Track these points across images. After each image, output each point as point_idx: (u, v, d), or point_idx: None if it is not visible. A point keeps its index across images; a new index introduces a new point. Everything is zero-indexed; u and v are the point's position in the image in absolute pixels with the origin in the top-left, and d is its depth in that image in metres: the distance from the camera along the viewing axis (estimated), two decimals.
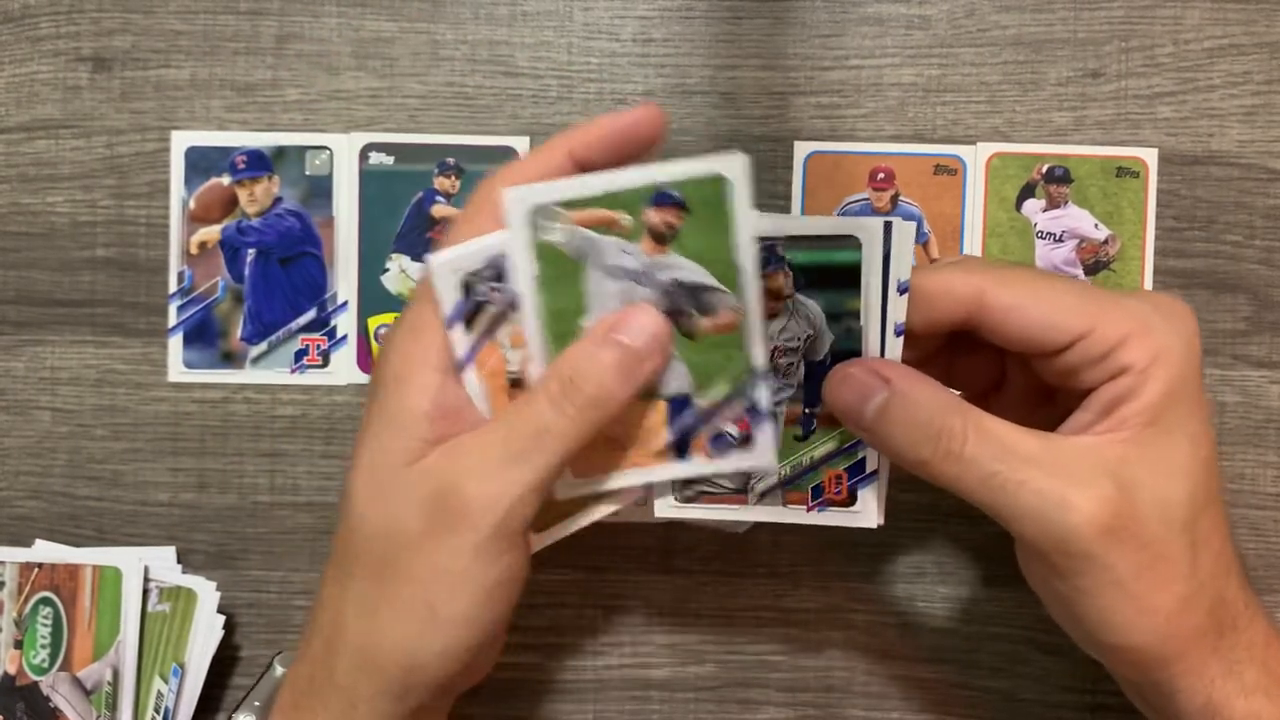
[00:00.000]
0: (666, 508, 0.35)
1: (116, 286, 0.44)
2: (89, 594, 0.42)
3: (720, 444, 0.34)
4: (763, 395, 0.34)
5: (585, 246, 0.32)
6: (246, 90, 0.44)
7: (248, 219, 0.44)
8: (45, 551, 0.43)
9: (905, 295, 0.33)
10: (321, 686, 0.32)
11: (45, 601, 0.42)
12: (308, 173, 0.44)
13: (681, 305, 0.33)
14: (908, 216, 0.43)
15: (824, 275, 0.33)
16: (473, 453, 0.31)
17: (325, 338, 0.44)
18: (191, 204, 0.44)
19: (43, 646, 0.42)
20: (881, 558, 0.44)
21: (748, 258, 0.32)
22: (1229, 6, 0.44)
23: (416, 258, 0.44)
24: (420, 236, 0.44)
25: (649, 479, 0.34)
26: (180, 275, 0.44)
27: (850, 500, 0.35)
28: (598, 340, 0.32)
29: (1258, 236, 0.44)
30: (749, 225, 0.32)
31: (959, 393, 0.33)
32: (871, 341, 0.33)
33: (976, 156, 0.44)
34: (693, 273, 0.32)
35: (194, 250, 0.44)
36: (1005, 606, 0.44)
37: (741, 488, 0.35)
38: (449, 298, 0.32)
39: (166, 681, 0.42)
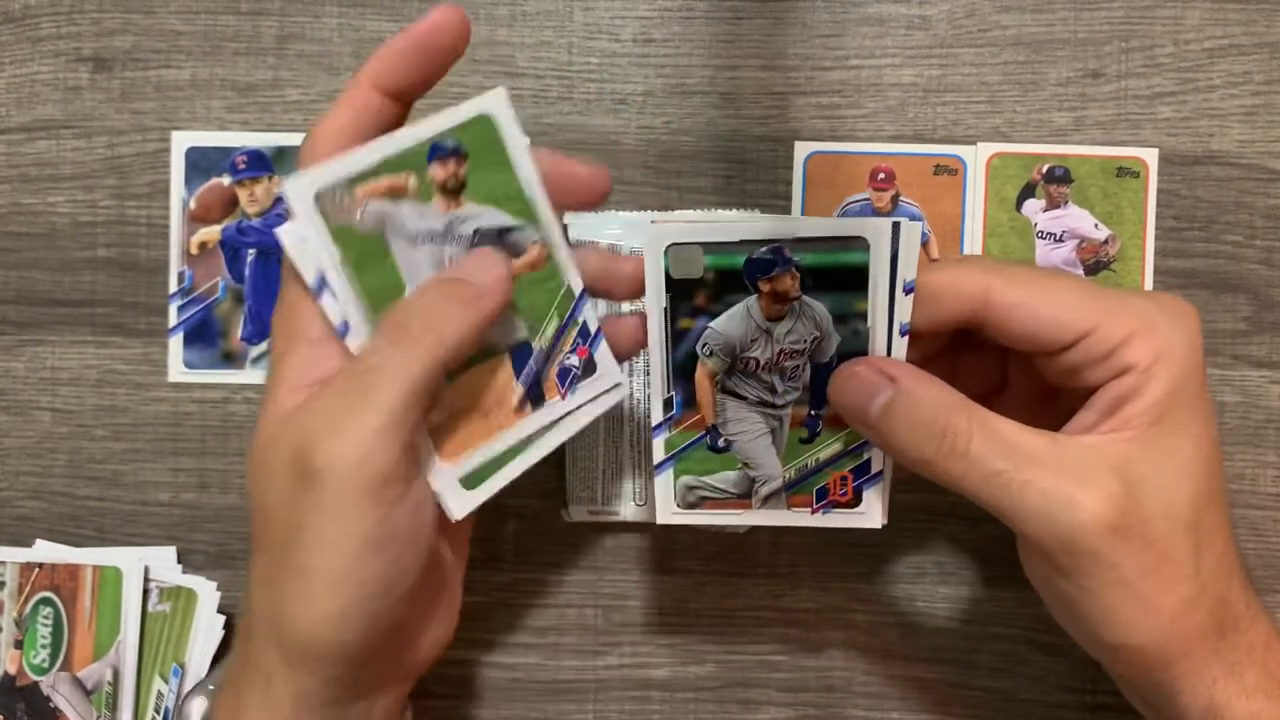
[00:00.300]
0: (668, 514, 0.35)
1: (117, 286, 0.44)
2: (89, 594, 0.42)
3: (567, 379, 0.34)
4: (589, 315, 0.34)
5: (381, 220, 0.31)
6: (247, 90, 0.44)
7: (248, 219, 0.44)
8: (45, 551, 0.43)
9: (910, 295, 0.33)
10: (244, 664, 0.32)
11: (45, 601, 0.43)
12: None
13: None
14: (908, 217, 0.43)
15: (831, 277, 0.33)
16: (317, 409, 0.29)
17: None
18: (192, 204, 0.44)
19: (43, 646, 0.42)
20: (881, 558, 0.44)
21: (534, 186, 0.32)
22: (1229, 6, 0.44)
23: None
24: None
25: (520, 436, 0.33)
26: (180, 275, 0.44)
27: (856, 501, 0.35)
28: (433, 280, 0.31)
29: (1258, 236, 0.44)
30: (523, 151, 0.32)
31: None
32: (879, 343, 0.33)
33: (976, 156, 0.44)
34: (491, 218, 0.32)
35: (194, 250, 0.44)
36: (1005, 606, 0.44)
37: (745, 493, 0.35)
38: (309, 224, 0.30)
39: (167, 681, 0.42)
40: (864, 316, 0.33)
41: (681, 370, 0.34)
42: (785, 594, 0.44)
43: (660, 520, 0.35)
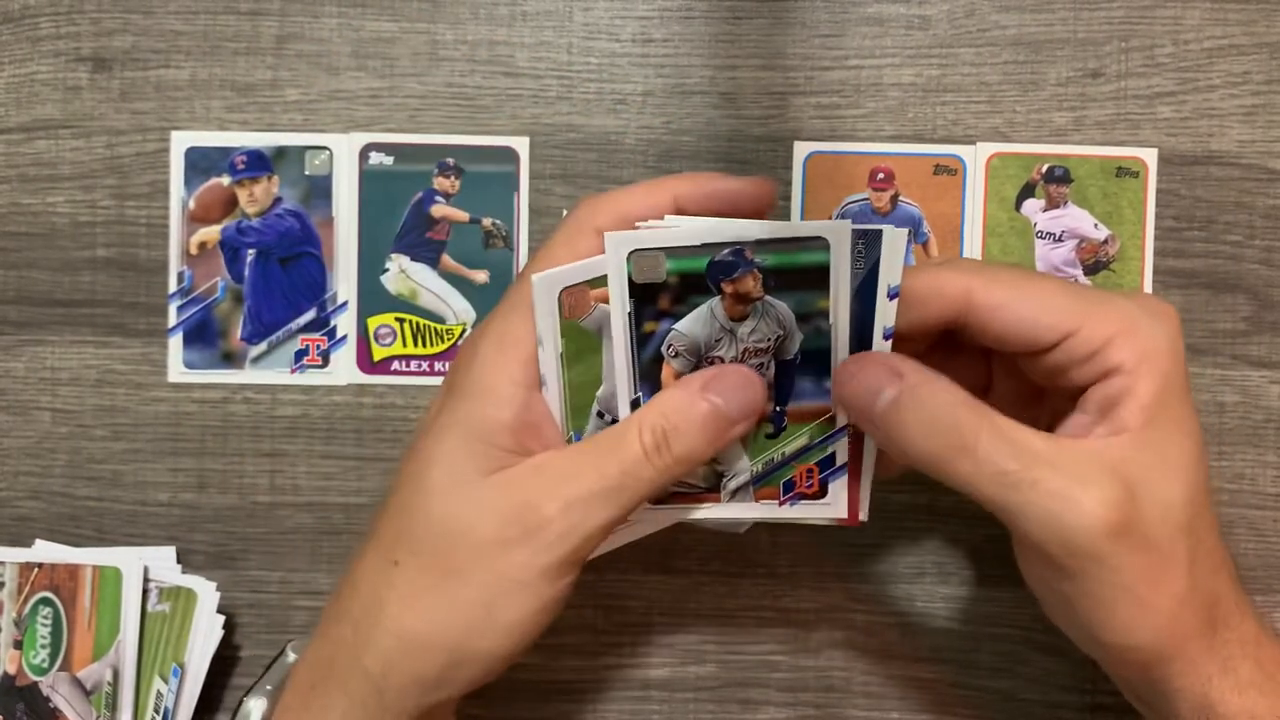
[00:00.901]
0: (639, 511, 0.35)
1: (116, 287, 0.44)
2: (89, 594, 0.42)
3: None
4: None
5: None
6: (246, 90, 0.44)
7: (248, 219, 0.44)
8: (45, 551, 0.43)
9: (895, 300, 0.33)
10: (345, 669, 0.32)
11: (45, 601, 0.42)
12: (307, 173, 0.44)
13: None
14: (907, 217, 0.43)
15: (793, 277, 0.33)
16: (560, 477, 0.32)
17: (325, 338, 0.44)
18: (191, 204, 0.44)
19: (42, 646, 0.42)
20: (881, 558, 0.44)
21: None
22: (1229, 6, 0.44)
23: (416, 258, 0.44)
24: (420, 237, 0.44)
25: (716, 515, 0.35)
26: (180, 275, 0.44)
27: (821, 493, 0.35)
28: (693, 394, 0.32)
29: (1258, 236, 0.44)
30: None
31: None
32: (841, 341, 0.33)
33: (976, 156, 0.44)
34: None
35: (194, 250, 0.44)
36: (1005, 606, 0.44)
37: (713, 486, 0.35)
38: (544, 314, 0.33)
39: (166, 681, 0.42)
40: (825, 315, 0.33)
41: (647, 372, 0.34)
42: (785, 594, 0.44)
43: (630, 516, 0.35)
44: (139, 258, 0.44)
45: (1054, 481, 0.30)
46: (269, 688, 0.40)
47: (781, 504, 0.35)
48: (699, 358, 0.34)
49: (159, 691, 0.42)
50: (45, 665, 0.42)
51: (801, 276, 0.33)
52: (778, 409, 0.34)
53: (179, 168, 0.44)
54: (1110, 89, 0.44)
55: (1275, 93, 0.44)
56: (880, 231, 0.32)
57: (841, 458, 0.35)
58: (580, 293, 0.33)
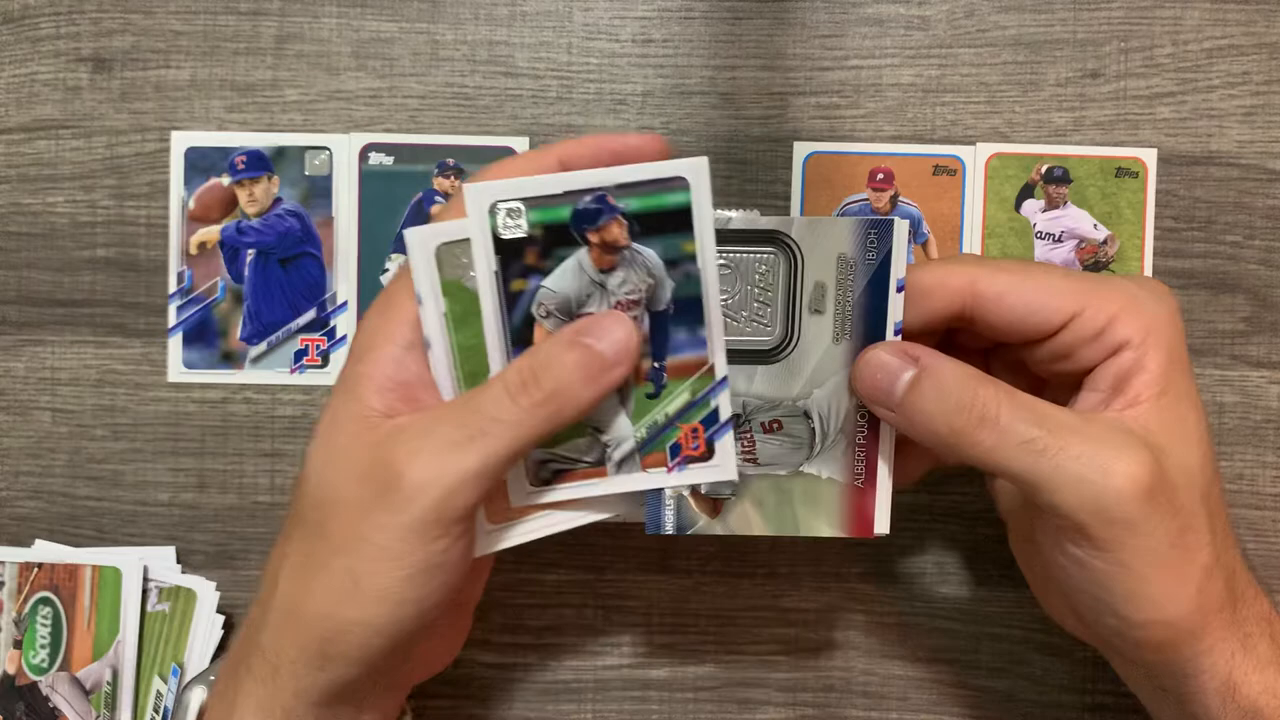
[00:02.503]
0: (523, 495, 0.33)
1: (116, 287, 0.44)
2: (89, 594, 0.42)
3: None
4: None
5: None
6: (246, 90, 0.44)
7: (247, 219, 0.44)
8: (45, 551, 0.43)
9: (902, 293, 0.33)
10: (251, 650, 0.32)
11: (45, 601, 0.42)
12: (307, 173, 0.44)
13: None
14: (907, 217, 0.43)
15: (657, 221, 0.32)
16: (417, 433, 0.30)
17: (325, 338, 0.44)
18: (191, 204, 0.44)
19: (42, 646, 0.42)
20: (881, 558, 0.44)
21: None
22: (1229, 7, 0.44)
23: None
24: None
25: (605, 490, 0.34)
26: (180, 275, 0.44)
27: (709, 453, 0.34)
28: (564, 341, 0.31)
29: (1257, 236, 0.44)
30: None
31: None
32: (710, 285, 0.32)
33: (976, 157, 0.44)
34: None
35: (194, 250, 0.44)
36: (1005, 606, 0.44)
37: (598, 459, 0.33)
38: (423, 274, 0.31)
39: (166, 681, 0.42)
40: (693, 259, 0.32)
41: (519, 335, 0.32)
42: (785, 594, 0.44)
43: (515, 503, 0.33)
44: (139, 258, 0.44)
45: (1082, 447, 0.30)
46: (211, 678, 0.40)
47: (670, 470, 0.34)
48: (571, 316, 0.33)
49: (159, 691, 0.42)
50: (45, 665, 0.42)
51: (666, 220, 0.32)
52: (656, 365, 0.33)
53: (179, 168, 0.44)
54: (1110, 89, 0.44)
55: (1275, 93, 0.44)
56: (891, 222, 0.32)
57: (725, 412, 0.33)
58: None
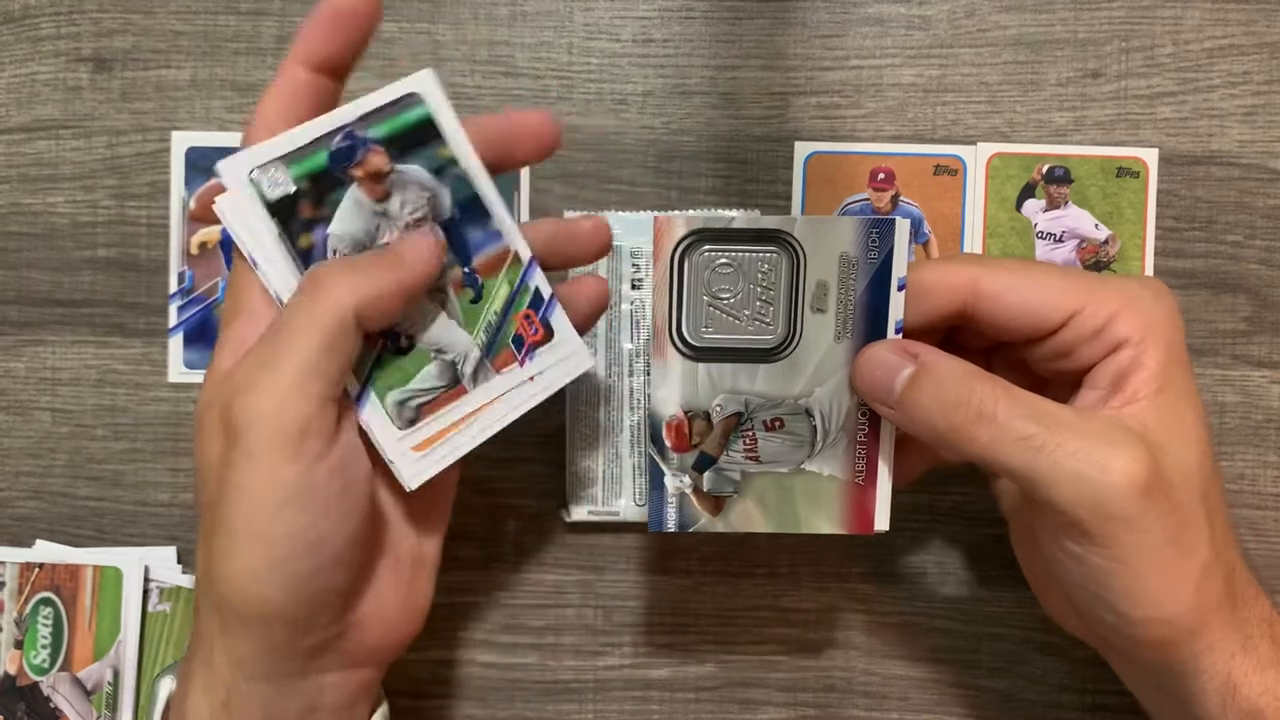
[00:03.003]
0: (394, 445, 0.33)
1: (117, 287, 0.44)
2: (89, 594, 0.42)
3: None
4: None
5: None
6: (247, 90, 0.44)
7: None
8: (45, 551, 0.43)
9: (903, 292, 0.33)
10: (193, 635, 0.32)
11: (46, 602, 0.43)
12: None
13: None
14: (908, 217, 0.43)
15: (408, 138, 0.33)
16: (241, 366, 0.30)
17: None
18: (192, 204, 0.44)
19: (43, 647, 0.42)
20: (881, 558, 0.44)
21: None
22: (1229, 6, 0.44)
23: None
24: None
25: (473, 405, 0.34)
26: (181, 275, 0.44)
27: (549, 334, 0.35)
28: (365, 263, 0.31)
29: (1258, 236, 0.44)
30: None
31: None
32: (482, 180, 0.34)
33: (976, 157, 0.44)
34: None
35: (194, 250, 0.44)
36: (1005, 606, 0.44)
37: (452, 380, 0.34)
38: (246, 238, 0.31)
39: None
40: (455, 162, 0.33)
41: None
42: (785, 594, 0.44)
43: (391, 457, 0.32)
44: (139, 258, 0.44)
45: (1080, 443, 0.30)
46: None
47: (523, 364, 0.34)
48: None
49: None
50: (46, 665, 0.42)
51: (416, 136, 0.33)
52: (466, 270, 0.34)
53: (179, 168, 0.44)
54: (1110, 89, 0.44)
55: (1275, 93, 0.44)
56: (893, 221, 0.33)
57: (545, 291, 0.35)
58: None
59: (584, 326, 0.36)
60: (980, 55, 0.44)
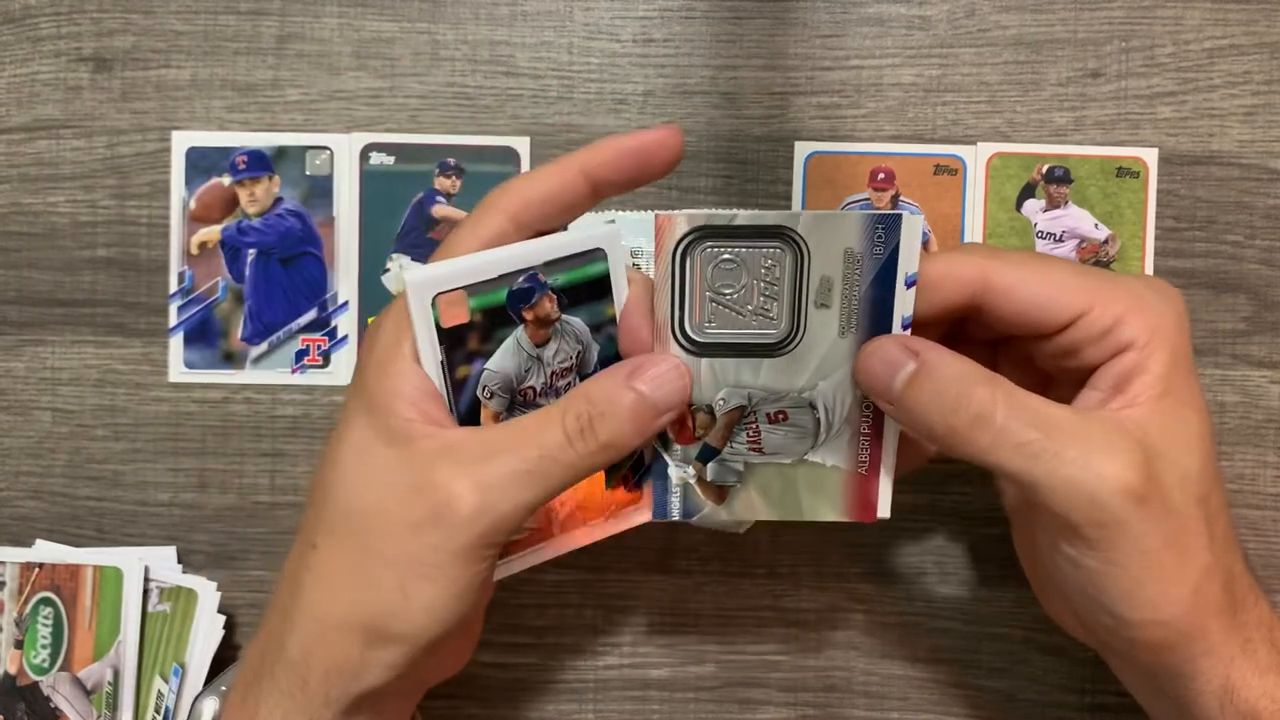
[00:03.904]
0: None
1: (117, 286, 0.44)
2: (89, 594, 0.42)
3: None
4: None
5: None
6: (247, 90, 0.44)
7: (248, 219, 0.44)
8: (46, 551, 0.43)
9: (913, 289, 0.33)
10: (274, 661, 0.32)
11: (46, 601, 0.43)
12: (308, 173, 0.44)
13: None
14: None
15: (582, 291, 0.34)
16: (474, 456, 0.31)
17: (326, 338, 0.44)
18: (192, 204, 0.44)
19: (43, 646, 0.42)
20: (881, 558, 0.44)
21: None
22: (1229, 6, 0.44)
23: (417, 258, 0.44)
24: (421, 236, 0.44)
25: (553, 553, 0.36)
26: (181, 275, 0.44)
27: (639, 494, 0.36)
28: (620, 382, 0.32)
29: (1258, 236, 0.44)
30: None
31: None
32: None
33: (977, 156, 0.44)
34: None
35: (194, 250, 0.44)
36: (1005, 606, 0.44)
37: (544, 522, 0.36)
38: (420, 322, 0.32)
39: (167, 681, 0.42)
40: (614, 320, 0.34)
41: (467, 419, 0.34)
42: (785, 594, 0.44)
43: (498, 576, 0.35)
44: (139, 258, 0.44)
45: (1075, 449, 0.30)
46: (223, 688, 0.40)
47: (606, 520, 0.36)
48: (513, 393, 0.34)
49: (160, 691, 0.42)
50: (46, 665, 0.42)
51: (589, 289, 0.34)
52: None
53: (179, 168, 0.44)
54: (1110, 89, 0.44)
55: (1275, 93, 0.44)
56: (899, 216, 0.32)
57: (648, 454, 0.35)
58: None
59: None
60: (980, 55, 0.44)
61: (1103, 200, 0.43)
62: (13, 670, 0.43)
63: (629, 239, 0.42)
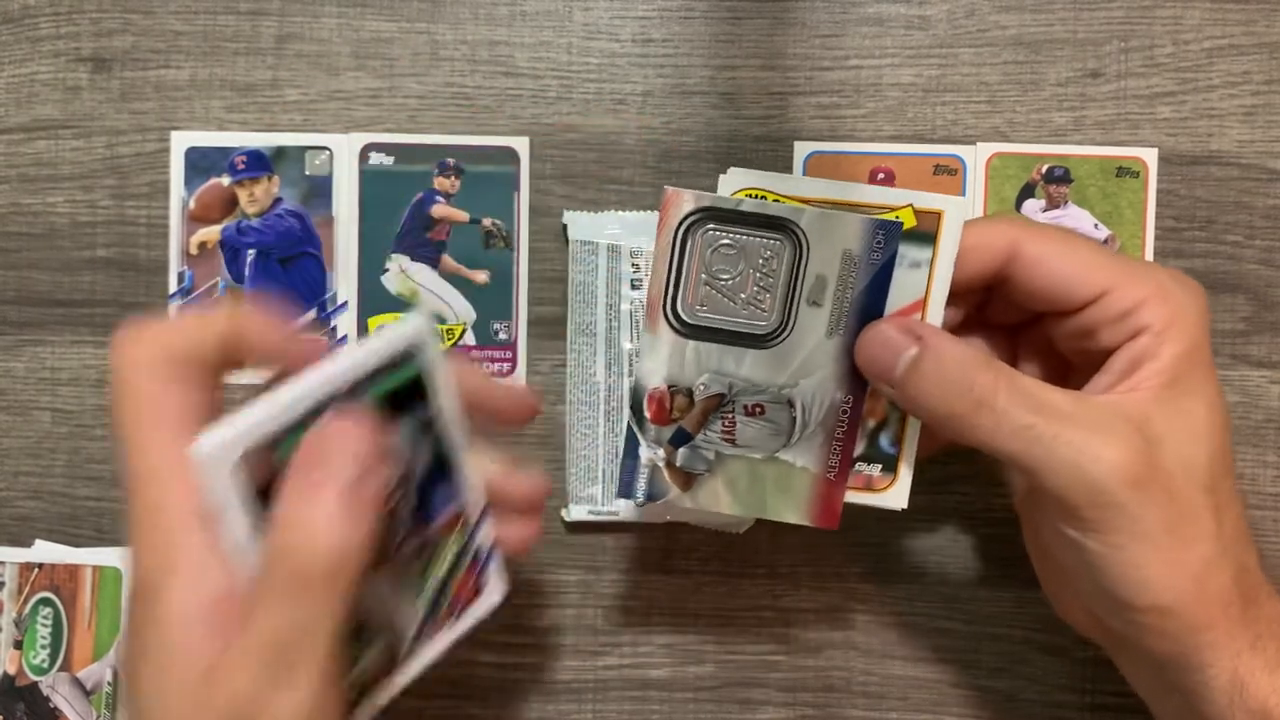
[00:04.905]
0: None
1: (116, 287, 0.44)
2: (89, 594, 0.42)
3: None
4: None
5: None
6: (246, 90, 0.44)
7: (248, 219, 0.44)
8: (45, 551, 0.43)
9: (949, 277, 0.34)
10: None
11: (45, 602, 0.43)
12: (308, 173, 0.44)
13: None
14: None
15: (399, 399, 0.30)
16: (239, 678, 0.26)
17: (325, 338, 0.44)
18: (191, 204, 0.44)
19: (43, 647, 0.42)
20: (881, 558, 0.44)
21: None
22: (1229, 6, 0.44)
23: (416, 258, 0.44)
24: (420, 237, 0.44)
25: (408, 678, 0.32)
26: (180, 275, 0.44)
27: (480, 590, 0.35)
28: (304, 494, 0.27)
29: (1258, 236, 0.44)
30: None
31: None
32: (452, 434, 0.31)
33: (976, 157, 0.44)
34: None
35: (194, 250, 0.44)
36: (1005, 606, 0.44)
37: (387, 664, 0.31)
38: (223, 495, 0.27)
39: None
40: (441, 415, 0.31)
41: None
42: (785, 594, 0.44)
43: None
44: (139, 258, 0.44)
45: (1074, 433, 0.31)
46: None
47: (454, 624, 0.34)
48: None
49: None
50: (45, 665, 0.42)
51: (408, 395, 0.30)
52: (420, 540, 0.32)
53: (179, 168, 0.44)
54: (1110, 89, 0.44)
55: (1275, 93, 0.44)
56: (900, 224, 0.33)
57: (489, 542, 0.34)
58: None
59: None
60: (980, 55, 0.44)
61: (1102, 200, 0.43)
62: (12, 670, 0.43)
63: (629, 239, 0.42)
